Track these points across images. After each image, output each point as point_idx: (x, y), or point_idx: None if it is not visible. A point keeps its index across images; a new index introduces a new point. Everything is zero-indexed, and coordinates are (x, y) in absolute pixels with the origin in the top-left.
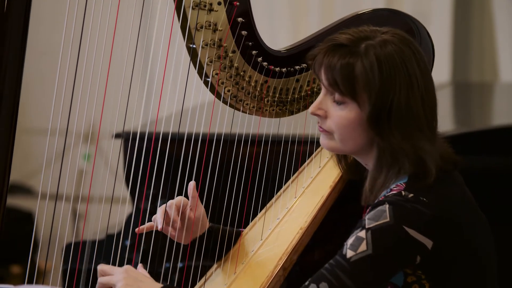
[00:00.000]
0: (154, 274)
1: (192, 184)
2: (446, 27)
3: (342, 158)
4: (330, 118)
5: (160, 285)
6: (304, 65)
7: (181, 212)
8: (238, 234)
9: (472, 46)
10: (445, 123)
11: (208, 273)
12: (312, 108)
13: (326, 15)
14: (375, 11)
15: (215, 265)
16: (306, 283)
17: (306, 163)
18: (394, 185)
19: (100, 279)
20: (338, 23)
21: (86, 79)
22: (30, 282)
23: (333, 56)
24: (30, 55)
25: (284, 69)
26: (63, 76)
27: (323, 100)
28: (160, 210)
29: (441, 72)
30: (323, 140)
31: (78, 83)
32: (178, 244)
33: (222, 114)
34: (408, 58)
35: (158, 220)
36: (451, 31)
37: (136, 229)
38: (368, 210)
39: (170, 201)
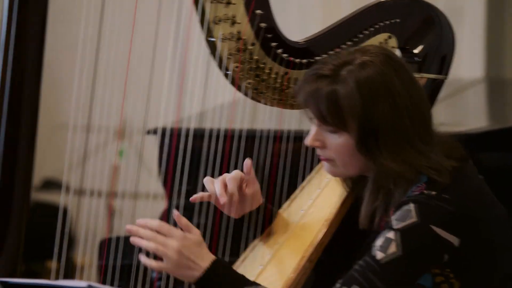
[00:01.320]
0: None
1: (248, 161)
2: (479, 23)
3: (346, 178)
4: (328, 147)
5: (210, 259)
6: (324, 55)
7: (238, 185)
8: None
9: (506, 41)
10: (479, 119)
11: (235, 266)
12: (309, 141)
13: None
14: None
15: (241, 257)
16: (337, 285)
17: None
18: (414, 187)
19: (152, 240)
20: (359, 11)
21: (121, 76)
22: (65, 277)
23: (316, 89)
24: (67, 51)
25: (304, 60)
26: (98, 73)
27: (318, 131)
28: (219, 181)
29: (475, 68)
30: (327, 168)
31: (113, 80)
32: (214, 239)
33: (252, 110)
34: (389, 76)
35: (218, 190)
36: (484, 27)
37: (191, 198)
38: (392, 211)
39: (228, 174)
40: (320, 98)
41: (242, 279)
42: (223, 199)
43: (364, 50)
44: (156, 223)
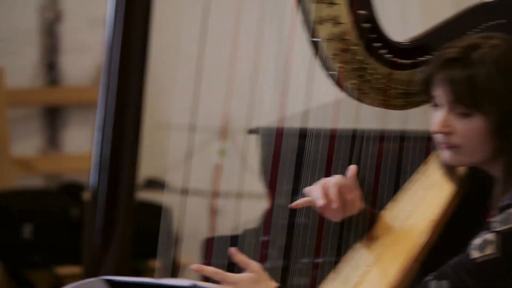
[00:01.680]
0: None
1: (353, 168)
2: None
3: (453, 173)
4: (457, 133)
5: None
6: (428, 56)
7: (339, 191)
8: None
9: None
10: None
11: (336, 270)
12: (437, 127)
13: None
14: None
15: (346, 258)
16: (429, 277)
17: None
18: None
19: None
20: (463, 12)
21: (224, 76)
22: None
23: (451, 71)
24: (171, 51)
25: (408, 61)
26: (200, 73)
27: (447, 116)
28: (319, 186)
29: None
30: (448, 155)
31: (217, 80)
32: (317, 239)
33: (356, 109)
34: None
35: (317, 196)
36: None
37: (292, 204)
38: (495, 213)
39: (330, 179)
40: (457, 82)
41: None
42: (322, 202)
43: (487, 36)
44: (210, 270)
